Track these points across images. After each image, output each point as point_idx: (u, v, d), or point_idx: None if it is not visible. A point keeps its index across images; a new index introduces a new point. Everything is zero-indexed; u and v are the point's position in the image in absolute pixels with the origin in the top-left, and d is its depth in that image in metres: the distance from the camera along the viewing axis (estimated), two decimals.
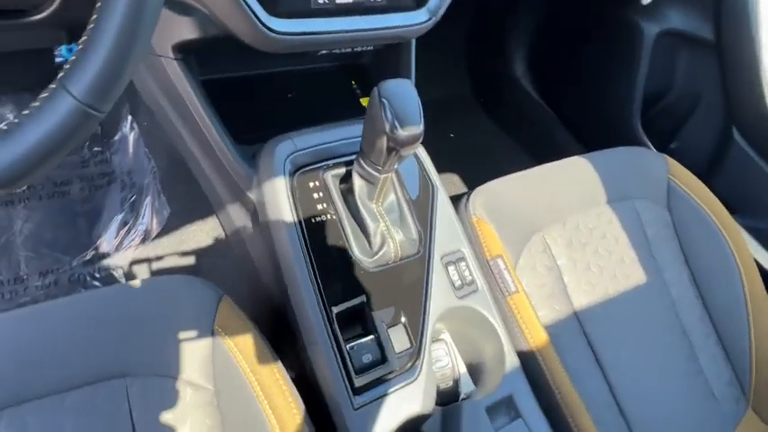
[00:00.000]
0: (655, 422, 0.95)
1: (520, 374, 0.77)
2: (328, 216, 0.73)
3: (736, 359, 1.08)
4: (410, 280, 0.75)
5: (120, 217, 1.15)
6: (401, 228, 0.76)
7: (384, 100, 0.61)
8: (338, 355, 0.67)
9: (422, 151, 0.85)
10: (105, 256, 1.11)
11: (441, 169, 1.58)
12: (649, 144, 1.43)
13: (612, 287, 1.03)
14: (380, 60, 0.98)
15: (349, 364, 0.67)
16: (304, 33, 0.67)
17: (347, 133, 0.77)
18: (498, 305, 0.86)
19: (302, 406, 0.68)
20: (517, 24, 1.67)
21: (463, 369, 0.82)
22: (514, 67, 1.74)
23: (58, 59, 1.21)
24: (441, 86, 1.84)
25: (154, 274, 1.06)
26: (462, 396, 0.78)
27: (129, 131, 1.21)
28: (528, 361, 0.83)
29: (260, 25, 0.64)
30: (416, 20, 0.75)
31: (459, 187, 1.57)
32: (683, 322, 1.08)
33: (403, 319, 0.72)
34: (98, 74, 0.39)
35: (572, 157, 1.14)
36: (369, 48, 0.89)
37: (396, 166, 0.70)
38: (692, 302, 1.10)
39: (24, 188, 1.19)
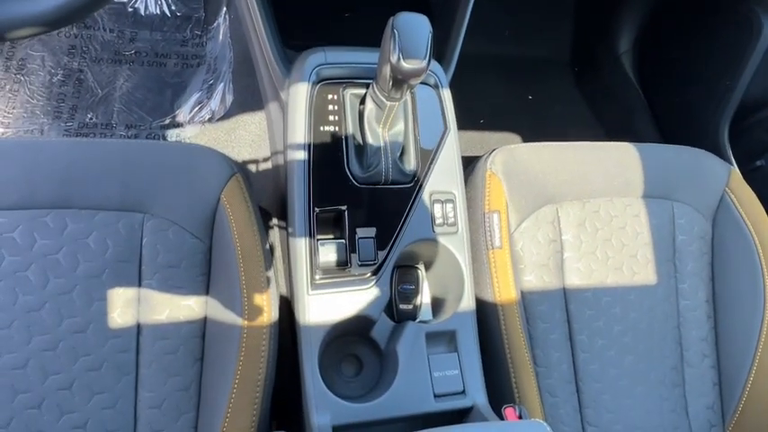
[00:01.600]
0: (610, 413, 0.97)
1: (471, 316, 0.83)
2: (336, 128, 0.81)
3: (727, 387, 1.05)
4: (394, 204, 0.82)
5: (197, 95, 1.31)
6: (400, 156, 0.82)
7: (395, 30, 0.66)
8: (308, 246, 0.77)
9: (446, 93, 0.88)
10: (178, 124, 1.28)
11: (504, 127, 1.59)
12: (729, 152, 1.32)
13: (613, 278, 1.02)
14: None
15: (316, 254, 0.77)
16: None
17: (377, 58, 0.83)
18: (479, 256, 0.91)
19: (272, 281, 0.80)
20: (631, 1, 1.55)
21: (427, 299, 0.89)
22: (619, 43, 1.63)
23: None
24: (539, 47, 1.78)
25: None
26: (418, 321, 0.86)
27: (222, 21, 1.35)
28: (488, 312, 0.88)
29: None
30: None
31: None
32: (682, 335, 1.05)
33: (376, 236, 0.80)
34: None
35: (624, 143, 1.10)
36: None
37: (403, 96, 0.75)
38: (700, 320, 1.06)
39: (132, 51, 1.39)
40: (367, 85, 0.82)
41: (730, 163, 1.33)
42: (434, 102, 0.88)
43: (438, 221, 0.83)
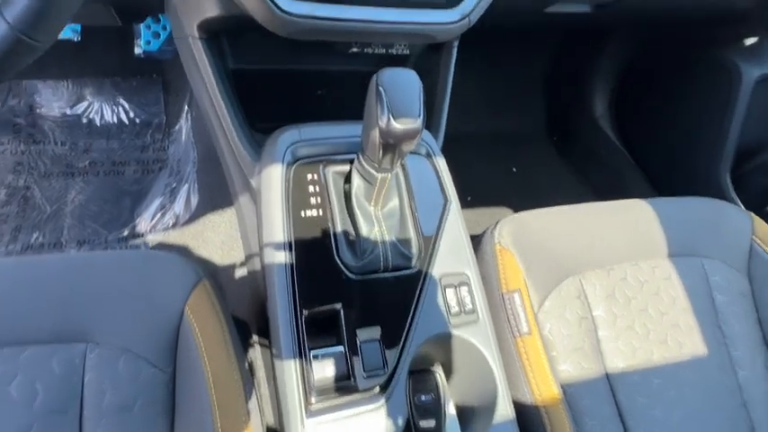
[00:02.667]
0: None
1: (512, 428, 0.65)
2: (320, 212, 0.69)
3: None
4: (399, 296, 0.67)
5: (160, 200, 1.18)
6: (398, 237, 0.69)
7: (381, 88, 0.56)
8: (298, 360, 0.61)
9: (440, 161, 0.78)
10: (138, 234, 1.14)
11: (492, 202, 1.50)
12: (737, 200, 1.24)
13: (659, 354, 0.87)
14: (420, 68, 0.93)
15: (308, 371, 0.60)
16: (316, 18, 0.65)
17: (359, 131, 0.73)
18: (505, 346, 0.75)
19: (254, 412, 0.62)
20: (601, 63, 1.56)
21: (452, 410, 0.71)
22: (594, 108, 1.61)
23: (137, 50, 1.29)
24: (514, 120, 1.75)
25: None
26: None
27: (185, 122, 1.26)
28: (529, 417, 0.71)
29: (270, 4, 0.62)
30: (446, 18, 0.70)
31: None
32: (751, 415, 0.88)
33: (381, 337, 0.64)
34: (30, 2, 0.38)
35: (634, 200, 1.01)
36: (405, 51, 0.84)
37: (395, 166, 0.64)
38: (767, 393, 0.90)
39: (86, 163, 1.28)
40: (351, 161, 0.71)
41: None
42: (429, 172, 0.77)
43: (453, 310, 0.68)
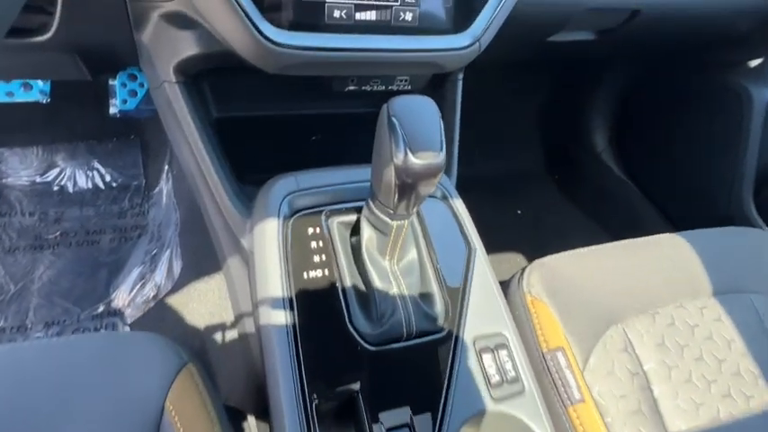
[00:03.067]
0: None
1: None
2: (326, 272, 0.58)
3: None
4: (427, 367, 0.56)
5: (139, 270, 1.06)
6: (420, 295, 0.58)
7: (394, 119, 0.47)
8: None
9: (458, 203, 0.68)
10: (115, 311, 1.01)
11: (502, 248, 1.40)
12: (762, 223, 1.16)
13: (725, 410, 0.75)
14: None
15: None
16: (312, 48, 0.56)
17: (363, 175, 0.64)
18: (557, 418, 0.63)
19: None
20: (600, 95, 1.51)
21: None
22: (595, 141, 1.55)
23: (112, 110, 1.21)
24: (512, 160, 1.68)
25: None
26: None
27: (165, 183, 1.16)
28: None
29: (257, 35, 0.54)
30: (455, 44, 0.63)
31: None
32: None
33: (412, 421, 0.52)
34: None
35: (664, 234, 0.91)
36: (407, 87, 0.76)
37: (413, 211, 0.54)
38: None
39: (57, 233, 1.16)
40: (357, 210, 0.61)
41: None
42: (447, 216, 0.67)
43: (494, 380, 0.57)
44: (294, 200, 0.61)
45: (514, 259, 1.37)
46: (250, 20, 0.53)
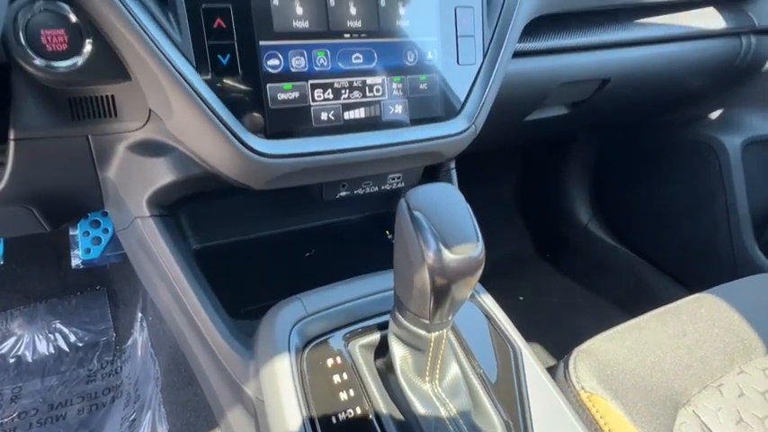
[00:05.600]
0: None
1: None
2: (358, 410, 0.47)
3: None
4: None
5: None
6: (475, 418, 0.48)
7: (417, 214, 0.41)
8: None
9: (489, 301, 0.60)
10: None
11: None
12: (765, 259, 1.12)
13: None
14: None
15: None
16: (302, 155, 0.51)
17: (377, 285, 0.56)
18: None
19: None
20: (573, 167, 1.52)
21: None
22: (578, 214, 1.54)
23: (75, 262, 1.11)
24: (500, 245, 1.64)
25: None
26: None
27: (139, 333, 1.04)
28: None
29: (243, 149, 0.48)
30: (451, 130, 0.59)
31: (545, 361, 1.24)
32: None
33: None
34: None
35: (692, 296, 0.85)
36: (400, 185, 0.71)
37: (452, 318, 0.45)
38: None
39: (15, 414, 0.99)
40: (380, 326, 0.52)
41: None
42: (478, 317, 0.58)
43: None
44: (305, 327, 0.51)
45: (533, 349, 1.26)
46: (234, 135, 0.48)
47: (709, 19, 1.01)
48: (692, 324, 0.78)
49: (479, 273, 0.42)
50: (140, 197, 0.57)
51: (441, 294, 0.42)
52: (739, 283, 0.89)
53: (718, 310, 0.81)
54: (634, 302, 1.39)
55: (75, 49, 0.46)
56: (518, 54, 0.74)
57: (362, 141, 0.54)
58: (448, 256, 0.39)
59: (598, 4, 0.79)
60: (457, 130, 0.59)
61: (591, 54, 0.84)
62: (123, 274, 1.12)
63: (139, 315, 1.05)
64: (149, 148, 0.54)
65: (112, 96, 0.53)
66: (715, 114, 1.20)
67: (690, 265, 1.31)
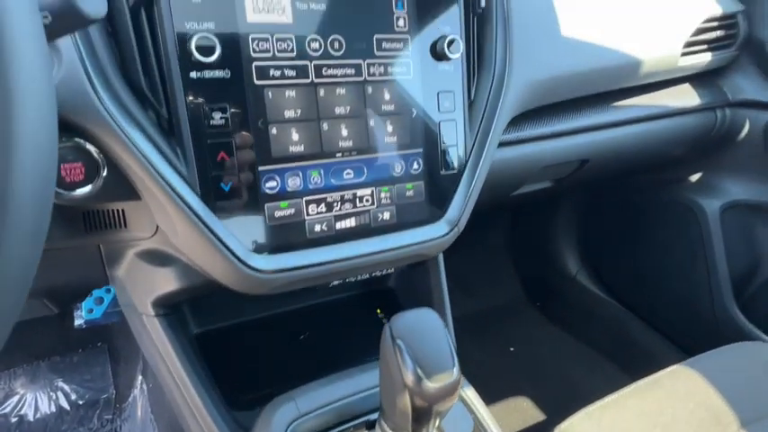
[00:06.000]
0: None
1: None
2: None
3: None
4: None
5: None
6: None
7: (399, 342, 0.45)
8: None
9: (470, 392, 0.64)
10: None
11: (506, 394, 1.33)
12: (755, 330, 1.16)
13: None
14: (407, 280, 0.85)
15: None
16: (297, 268, 0.55)
17: (366, 382, 0.60)
18: None
19: None
20: (561, 220, 1.57)
21: None
22: (567, 265, 1.58)
23: (77, 322, 1.15)
24: (489, 295, 1.68)
25: None
26: None
27: (139, 394, 1.07)
28: None
29: (243, 268, 0.53)
30: (435, 234, 0.64)
31: (534, 415, 1.28)
32: None
33: None
34: None
35: (671, 368, 0.89)
36: (389, 270, 0.76)
37: (434, 429, 0.49)
38: None
39: None
40: (368, 425, 0.56)
41: (757, 336, 1.17)
42: (461, 414, 0.62)
43: None
44: (298, 428, 0.55)
45: (521, 405, 1.29)
46: (234, 254, 0.53)
47: (684, 95, 1.07)
48: (668, 399, 0.82)
49: (457, 394, 0.46)
50: (146, 299, 0.61)
51: (421, 414, 0.46)
52: (718, 353, 0.93)
53: (694, 384, 0.85)
54: (622, 354, 1.43)
55: (91, 179, 0.51)
56: (499, 144, 0.80)
57: (353, 251, 0.59)
58: (426, 384, 0.43)
59: (573, 96, 0.84)
60: (441, 233, 0.64)
61: (569, 138, 0.89)
62: (124, 332, 1.15)
63: (140, 377, 1.08)
64: (156, 258, 0.59)
65: (123, 210, 0.58)
66: (695, 177, 1.26)
67: (674, 321, 1.35)
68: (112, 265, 0.63)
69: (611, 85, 0.89)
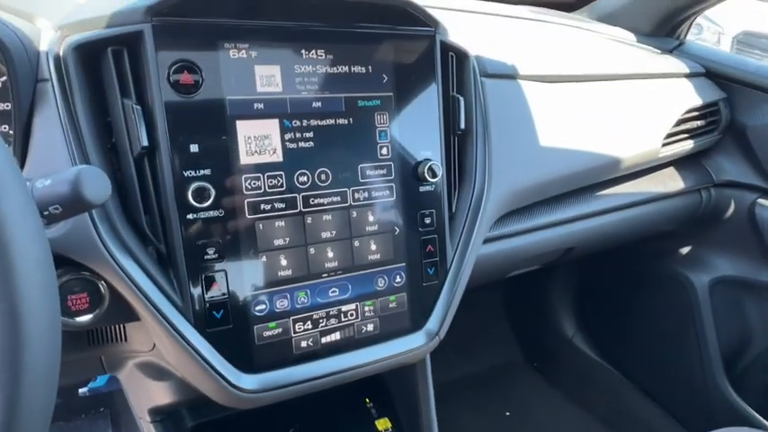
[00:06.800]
0: None
1: None
2: None
3: None
4: None
5: None
6: None
7: None
8: None
9: None
10: None
11: None
12: (748, 409, 1.17)
13: None
14: (396, 370, 0.88)
15: None
16: (283, 386, 0.59)
17: None
18: None
19: None
20: (557, 285, 1.60)
21: None
22: (563, 327, 1.60)
23: (82, 390, 1.18)
24: (486, 353, 1.69)
25: None
26: None
27: None
28: None
29: (229, 387, 0.57)
30: (416, 343, 0.67)
31: None
32: None
33: None
34: None
35: None
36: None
37: None
38: None
39: None
40: None
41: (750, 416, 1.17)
42: None
43: None
44: None
45: None
46: (224, 378, 0.56)
47: (669, 179, 1.11)
48: None
49: None
50: (144, 407, 0.65)
51: None
52: None
53: None
54: (619, 423, 1.43)
55: (94, 307, 0.56)
56: (484, 241, 0.83)
57: (338, 365, 0.63)
58: None
59: (556, 194, 0.88)
60: (422, 343, 0.68)
61: (554, 229, 0.93)
62: (125, 400, 1.19)
63: None
64: (153, 370, 0.63)
65: (124, 326, 0.62)
66: (684, 250, 1.28)
67: (669, 391, 1.36)
68: (113, 370, 0.67)
69: (594, 180, 0.94)
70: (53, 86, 0.52)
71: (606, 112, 0.93)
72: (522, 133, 0.80)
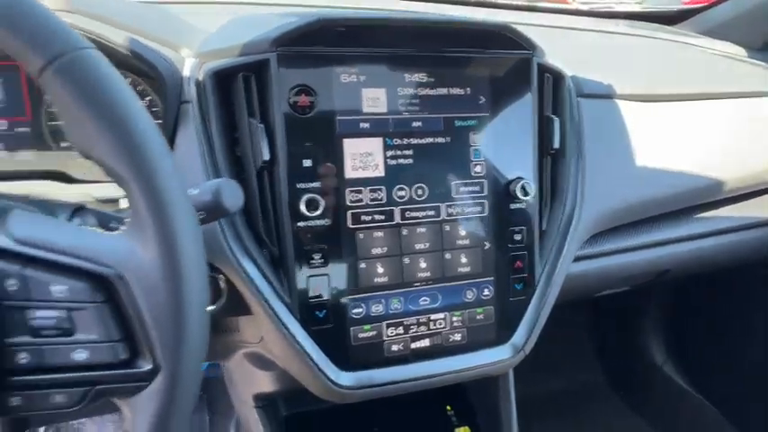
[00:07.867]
0: None
1: None
2: None
3: None
4: None
5: None
6: None
7: None
8: None
9: None
10: None
11: None
12: None
13: None
14: (479, 380, 0.90)
15: None
16: (375, 385, 0.64)
17: None
18: None
19: None
20: (648, 307, 1.53)
21: None
22: (653, 354, 1.52)
23: None
24: (568, 371, 1.65)
25: None
26: None
27: None
28: None
29: (328, 381, 0.62)
30: (501, 356, 0.69)
31: None
32: None
33: None
34: None
35: None
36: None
37: None
38: None
39: None
40: None
41: None
42: None
43: None
44: None
45: None
46: (324, 374, 0.62)
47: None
48: None
49: None
50: (247, 393, 0.72)
51: None
52: None
53: None
54: None
55: (214, 301, 0.63)
56: (575, 259, 0.83)
57: (425, 370, 0.66)
58: None
59: (651, 215, 0.86)
60: (508, 356, 0.69)
61: (648, 251, 0.90)
62: (222, 387, 1.29)
63: (232, 430, 1.21)
64: (260, 361, 0.69)
65: (237, 318, 0.70)
66: None
67: (763, 425, 1.25)
68: (225, 358, 0.75)
69: (694, 202, 0.90)
70: (193, 107, 0.61)
71: (711, 132, 0.90)
72: (618, 153, 0.80)
